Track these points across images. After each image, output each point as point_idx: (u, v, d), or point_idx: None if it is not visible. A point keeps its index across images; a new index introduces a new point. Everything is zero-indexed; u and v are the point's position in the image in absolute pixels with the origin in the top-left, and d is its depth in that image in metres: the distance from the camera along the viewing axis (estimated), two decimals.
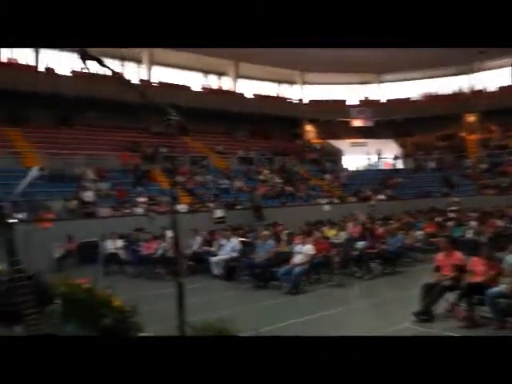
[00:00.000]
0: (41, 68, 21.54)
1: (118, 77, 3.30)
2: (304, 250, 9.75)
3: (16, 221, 2.48)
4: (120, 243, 13.70)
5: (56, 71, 21.39)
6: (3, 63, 20.54)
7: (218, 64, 26.39)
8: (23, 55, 21.19)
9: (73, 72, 21.63)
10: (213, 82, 27.48)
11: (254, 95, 27.61)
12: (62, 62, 21.76)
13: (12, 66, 20.62)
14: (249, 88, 27.99)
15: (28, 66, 21.21)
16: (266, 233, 11.37)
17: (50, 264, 12.64)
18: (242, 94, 27.28)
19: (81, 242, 14.26)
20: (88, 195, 16.56)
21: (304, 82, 30.36)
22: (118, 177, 18.85)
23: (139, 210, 16.92)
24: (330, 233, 13.20)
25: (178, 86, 24.91)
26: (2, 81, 18.92)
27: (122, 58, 24.41)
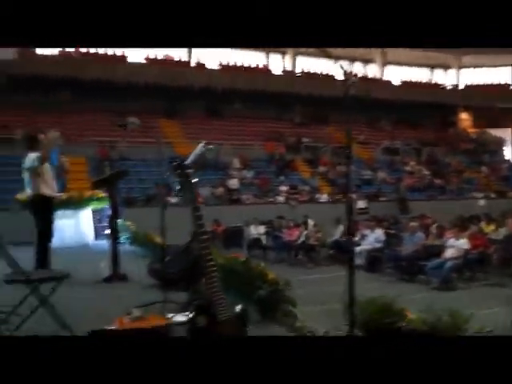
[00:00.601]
0: (193, 63, 22.93)
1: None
2: (458, 244, 8.90)
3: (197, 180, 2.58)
4: (262, 229, 13.99)
5: (206, 66, 22.62)
6: (161, 60, 22.27)
7: (364, 51, 25.51)
8: (178, 52, 22.76)
9: (221, 65, 22.69)
10: (358, 69, 26.72)
11: (401, 82, 26.22)
12: (212, 56, 22.96)
13: (167, 63, 22.26)
14: (396, 75, 26.67)
15: (182, 62, 22.70)
16: (414, 224, 10.67)
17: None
18: (389, 82, 26.09)
19: (227, 227, 14.89)
20: (233, 183, 17.26)
21: (460, 66, 27.95)
22: (261, 166, 19.34)
23: (281, 199, 17.17)
24: (489, 228, 11.91)
25: (321, 75, 24.68)
26: (160, 76, 20.59)
27: (268, 51, 24.93)
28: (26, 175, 5.77)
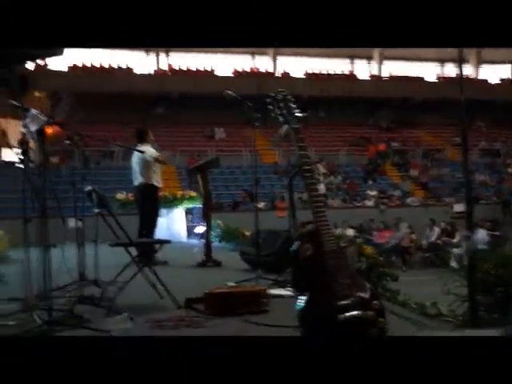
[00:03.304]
0: (278, 73, 23.23)
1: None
2: None
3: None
4: (351, 232, 13.70)
5: (291, 74, 22.81)
6: (247, 72, 22.78)
7: (456, 51, 24.33)
8: (263, 63, 23.17)
9: (306, 73, 22.77)
10: (450, 70, 25.54)
11: (500, 80, 24.68)
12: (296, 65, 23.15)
13: (253, 74, 22.71)
14: (492, 74, 25.16)
15: (267, 73, 23.06)
16: None
17: None
18: (485, 81, 24.65)
19: None
20: (320, 188, 17.09)
21: None
22: (348, 171, 19.02)
23: (369, 203, 16.75)
24: None
25: (410, 78, 23.91)
26: (246, 87, 21.06)
27: (352, 57, 24.66)
28: (137, 166, 6.16)
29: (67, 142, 4.49)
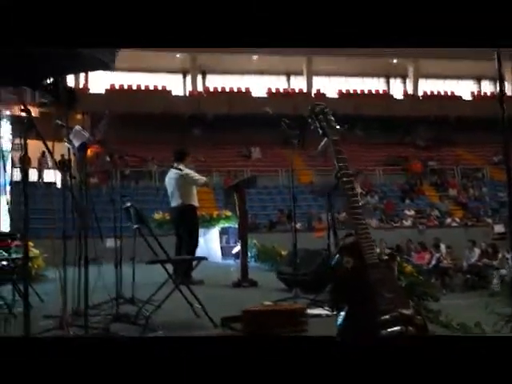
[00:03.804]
0: (313, 93, 23.28)
1: None
2: None
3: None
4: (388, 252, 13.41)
5: (327, 95, 22.84)
6: (281, 93, 22.94)
7: (492, 68, 23.89)
8: (299, 83, 23.30)
9: (340, 93, 22.75)
10: (486, 88, 25.04)
11: None
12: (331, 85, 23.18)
13: (289, 94, 22.84)
14: None
15: (303, 93, 23.15)
16: None
17: None
18: None
19: None
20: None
21: None
22: (385, 191, 18.74)
23: (407, 223, 16.41)
24: None
25: (445, 96, 23.55)
26: (282, 107, 21.19)
27: (387, 76, 24.53)
28: (177, 186, 6.23)
29: (108, 159, 4.56)
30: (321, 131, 2.34)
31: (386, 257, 2.13)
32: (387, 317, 1.91)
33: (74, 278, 3.42)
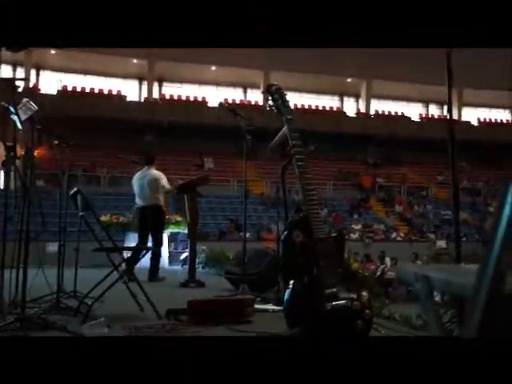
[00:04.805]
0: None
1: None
2: None
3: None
4: None
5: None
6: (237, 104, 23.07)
7: (439, 93, 25.09)
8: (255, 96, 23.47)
9: (294, 107, 23.15)
10: (433, 111, 26.22)
11: (479, 122, 25.35)
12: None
13: (245, 105, 23.01)
14: (473, 115, 25.89)
15: (258, 105, 23.37)
16: None
17: None
18: (467, 122, 25.29)
19: None
20: None
21: None
22: (334, 204, 19.12)
23: (354, 237, 16.81)
24: None
25: (396, 116, 24.47)
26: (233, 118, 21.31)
27: (341, 94, 25.20)
28: (148, 188, 6.56)
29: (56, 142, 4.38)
30: (276, 110, 2.38)
31: (335, 234, 2.17)
32: (333, 290, 1.94)
33: (12, 276, 3.27)
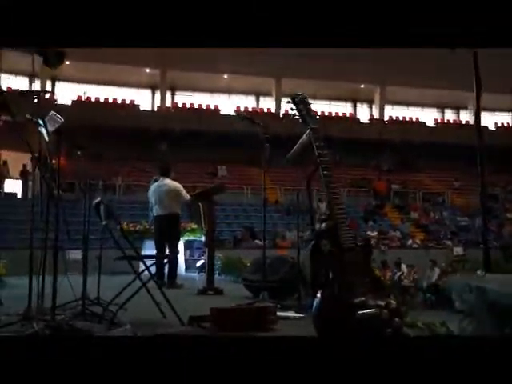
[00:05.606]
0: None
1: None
2: None
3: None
4: None
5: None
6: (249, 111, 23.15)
7: (456, 98, 24.91)
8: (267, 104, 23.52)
9: None
10: (449, 116, 26.04)
11: (497, 127, 25.10)
12: None
13: (257, 113, 23.07)
14: (490, 120, 25.66)
15: (271, 113, 23.40)
16: None
17: None
18: (485, 127, 25.07)
19: None
20: (322, 226, 17.07)
21: None
22: (349, 211, 19.04)
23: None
24: None
25: (410, 121, 24.35)
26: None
27: (354, 100, 25.17)
28: (166, 197, 6.73)
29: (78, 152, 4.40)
30: (301, 119, 2.39)
31: (362, 243, 2.17)
32: (362, 299, 1.94)
33: (39, 283, 3.31)
